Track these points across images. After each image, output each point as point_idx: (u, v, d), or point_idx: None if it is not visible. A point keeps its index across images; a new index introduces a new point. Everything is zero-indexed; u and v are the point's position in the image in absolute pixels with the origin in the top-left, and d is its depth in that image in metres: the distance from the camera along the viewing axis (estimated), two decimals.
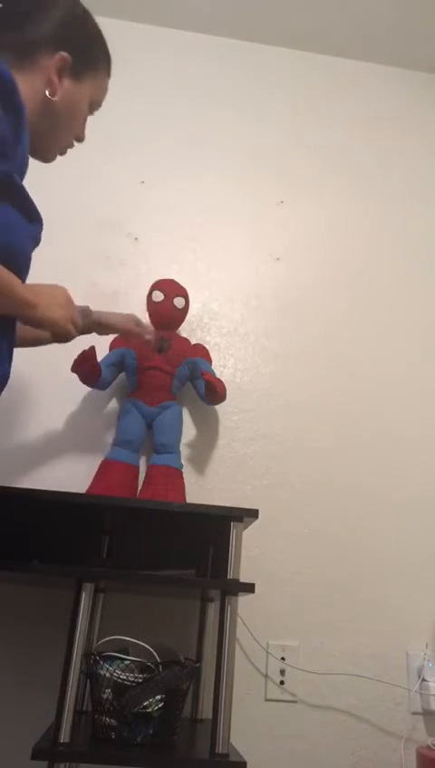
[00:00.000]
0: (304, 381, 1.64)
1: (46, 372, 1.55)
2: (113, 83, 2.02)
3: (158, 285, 1.53)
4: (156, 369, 1.45)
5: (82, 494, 1.16)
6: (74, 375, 1.45)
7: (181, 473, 1.40)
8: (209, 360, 1.52)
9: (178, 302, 1.51)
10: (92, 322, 1.24)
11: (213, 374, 1.45)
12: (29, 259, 0.96)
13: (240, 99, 1.97)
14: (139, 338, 1.34)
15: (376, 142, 1.98)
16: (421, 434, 1.63)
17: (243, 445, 1.56)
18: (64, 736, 0.93)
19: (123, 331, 1.31)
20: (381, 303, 1.76)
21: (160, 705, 1.01)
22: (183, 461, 1.46)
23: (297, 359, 1.67)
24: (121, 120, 1.89)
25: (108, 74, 1.10)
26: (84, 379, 1.41)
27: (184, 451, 1.50)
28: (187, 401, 1.55)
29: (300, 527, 1.50)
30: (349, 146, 1.96)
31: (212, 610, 1.33)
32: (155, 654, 1.05)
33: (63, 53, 0.94)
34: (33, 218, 0.93)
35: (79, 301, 1.65)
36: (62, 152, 1.09)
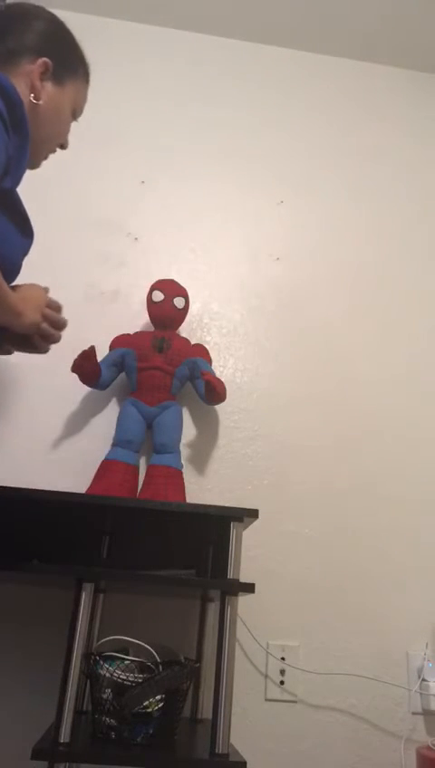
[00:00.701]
0: (304, 381, 1.64)
1: (46, 372, 1.55)
2: (113, 84, 2.03)
3: (158, 285, 1.53)
4: (156, 369, 1.45)
5: (82, 494, 1.16)
6: (74, 375, 1.45)
7: (181, 473, 1.40)
8: (209, 360, 1.52)
9: (178, 302, 1.51)
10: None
11: (213, 374, 1.45)
12: (18, 271, 0.98)
13: (240, 99, 1.97)
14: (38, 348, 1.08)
15: (376, 142, 1.98)
16: (421, 434, 1.63)
17: (243, 445, 1.56)
18: (64, 736, 0.94)
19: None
20: (380, 303, 1.76)
21: (160, 705, 1.01)
22: (183, 461, 1.46)
23: (297, 359, 1.67)
24: (122, 121, 1.89)
25: (87, 81, 1.17)
26: (84, 379, 1.42)
27: (184, 451, 1.50)
28: (187, 401, 1.55)
29: (300, 527, 1.50)
30: (349, 146, 1.96)
31: (212, 610, 1.33)
32: (155, 654, 1.05)
33: (45, 59, 0.97)
34: (26, 233, 0.96)
35: (79, 301, 1.66)
36: (45, 158, 1.11)
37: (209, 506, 1.13)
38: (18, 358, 1.56)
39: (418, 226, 1.89)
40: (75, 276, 1.68)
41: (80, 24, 2.02)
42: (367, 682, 1.38)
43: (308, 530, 1.49)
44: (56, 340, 1.08)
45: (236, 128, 1.93)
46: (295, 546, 1.48)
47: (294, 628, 1.41)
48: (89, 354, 1.35)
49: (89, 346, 1.37)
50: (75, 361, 1.36)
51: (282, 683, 1.37)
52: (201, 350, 1.52)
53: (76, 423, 1.52)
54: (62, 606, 1.34)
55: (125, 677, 1.01)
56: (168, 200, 1.81)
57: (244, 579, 1.08)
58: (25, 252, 0.99)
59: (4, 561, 1.06)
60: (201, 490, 1.49)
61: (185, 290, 1.54)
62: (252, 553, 1.44)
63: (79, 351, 1.38)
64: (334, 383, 1.65)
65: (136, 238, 1.75)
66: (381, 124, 2.01)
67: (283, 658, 1.38)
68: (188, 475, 1.48)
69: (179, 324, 1.55)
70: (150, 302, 1.52)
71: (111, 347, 1.52)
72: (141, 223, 1.76)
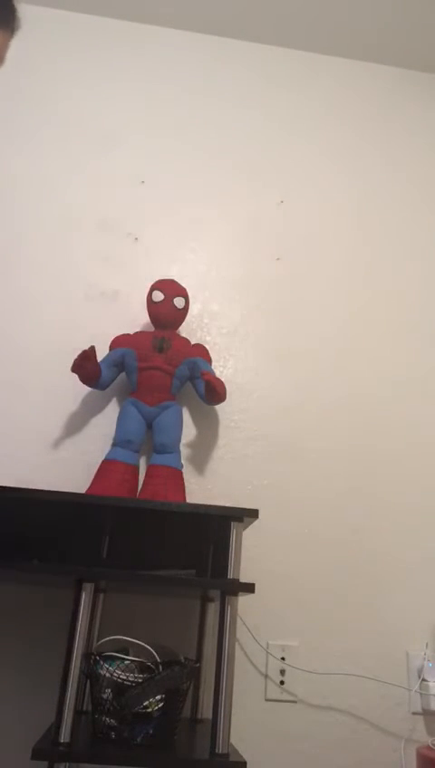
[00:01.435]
0: (304, 381, 1.64)
1: (46, 372, 1.55)
2: (113, 84, 2.03)
3: (158, 285, 1.53)
4: (156, 369, 1.45)
5: (82, 494, 1.16)
6: (74, 375, 1.45)
7: (181, 473, 1.40)
8: (209, 360, 1.52)
9: (178, 302, 1.51)
10: None
11: (213, 374, 1.45)
12: None
13: (240, 99, 1.97)
14: None
15: (376, 142, 1.98)
16: (422, 434, 1.63)
17: (243, 445, 1.56)
18: (64, 736, 0.94)
19: None
20: (381, 303, 1.76)
21: (160, 705, 1.01)
22: (183, 461, 1.46)
23: (297, 359, 1.67)
24: (122, 121, 1.89)
25: (12, 34, 1.15)
26: (84, 379, 1.42)
27: (184, 451, 1.50)
28: (187, 401, 1.55)
29: (300, 527, 1.50)
30: (349, 146, 1.96)
31: (212, 610, 1.33)
32: (155, 654, 1.05)
33: None
34: None
35: (79, 300, 1.66)
36: None
37: (209, 506, 1.13)
38: (18, 357, 1.57)
39: (419, 226, 1.89)
40: (75, 276, 1.68)
41: (80, 24, 2.04)
42: (367, 682, 1.38)
43: (308, 530, 1.49)
44: None
45: (236, 128, 1.93)
46: (295, 546, 1.48)
47: (294, 628, 1.41)
48: (89, 354, 1.35)
49: (89, 346, 1.37)
50: (75, 361, 1.36)
51: (282, 683, 1.37)
52: (201, 350, 1.52)
53: (76, 423, 1.52)
54: (62, 606, 1.34)
55: (125, 677, 1.01)
56: (168, 200, 1.81)
57: (244, 579, 1.08)
58: None
59: (4, 561, 1.06)
60: (201, 490, 1.49)
61: (185, 290, 1.54)
62: (252, 553, 1.44)
63: (79, 351, 1.38)
64: (334, 383, 1.65)
65: (136, 238, 1.75)
66: (382, 124, 2.01)
67: (283, 658, 1.38)
68: (188, 475, 1.48)
69: (179, 324, 1.55)
70: (150, 302, 1.52)
71: (111, 347, 1.52)
72: (141, 223, 1.76)
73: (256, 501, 1.49)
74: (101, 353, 1.53)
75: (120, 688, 1.00)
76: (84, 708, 1.21)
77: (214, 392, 1.38)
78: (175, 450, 1.42)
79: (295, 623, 1.41)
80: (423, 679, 1.38)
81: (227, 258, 1.76)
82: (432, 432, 1.64)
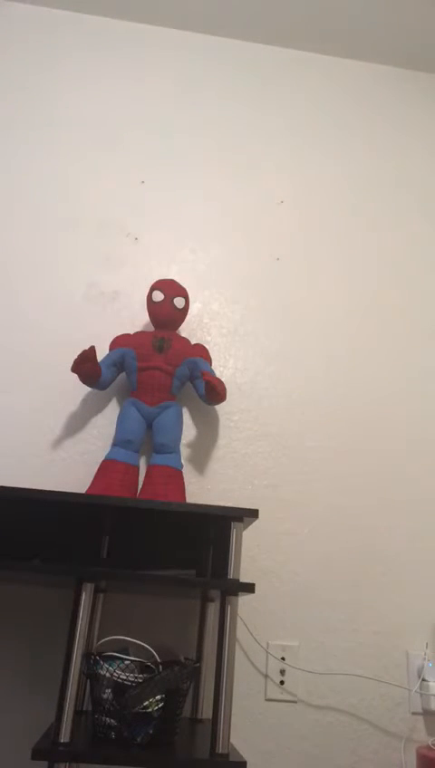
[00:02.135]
0: (304, 381, 1.64)
1: (46, 372, 1.55)
2: (113, 83, 2.03)
3: (158, 285, 1.53)
4: (156, 369, 1.45)
5: (82, 494, 1.15)
6: (74, 375, 1.45)
7: (181, 473, 1.40)
8: (209, 360, 1.52)
9: (178, 302, 1.51)
10: None
11: (213, 374, 1.45)
12: None
13: (240, 99, 1.97)
14: None
15: (376, 142, 1.98)
16: (422, 433, 1.63)
17: (243, 445, 1.56)
18: (64, 736, 0.93)
19: None
20: (381, 303, 1.76)
21: (160, 705, 1.01)
22: (183, 461, 1.46)
23: (297, 359, 1.67)
24: (122, 120, 1.89)
25: None
26: (84, 379, 1.42)
27: (184, 451, 1.50)
28: (187, 401, 1.55)
29: (300, 527, 1.50)
30: (349, 146, 1.96)
31: (212, 610, 1.33)
32: (155, 654, 1.05)
33: None
34: None
35: (79, 301, 1.66)
36: None
37: (209, 506, 1.13)
38: (18, 357, 1.57)
39: (419, 225, 1.89)
40: (75, 276, 1.68)
41: (80, 25, 2.04)
42: (367, 682, 1.38)
43: (308, 530, 1.49)
44: None
45: (236, 128, 1.93)
46: (295, 546, 1.48)
47: (294, 628, 1.41)
48: (89, 354, 1.35)
49: (89, 346, 1.37)
50: (75, 361, 1.36)
51: (282, 683, 1.37)
52: (201, 350, 1.52)
53: (76, 423, 1.52)
54: (62, 606, 1.34)
55: (125, 677, 1.01)
56: (168, 200, 1.81)
57: (244, 579, 1.08)
58: None
59: (4, 561, 1.06)
60: (201, 490, 1.49)
61: (185, 290, 1.54)
62: (252, 553, 1.44)
63: (79, 351, 1.38)
64: (334, 383, 1.65)
65: (136, 238, 1.75)
66: (382, 124, 2.01)
67: (283, 658, 1.38)
68: (188, 475, 1.48)
69: (179, 324, 1.55)
70: (150, 302, 1.52)
71: (111, 347, 1.52)
72: (141, 223, 1.77)
73: (256, 501, 1.49)
74: (101, 353, 1.53)
75: (120, 688, 1.00)
76: (84, 708, 1.21)
77: (214, 392, 1.38)
78: (175, 450, 1.42)
79: (295, 623, 1.41)
80: (423, 679, 1.38)
81: (226, 258, 1.76)
82: (433, 432, 1.64)
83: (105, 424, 1.52)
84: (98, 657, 1.04)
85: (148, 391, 1.45)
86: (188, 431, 1.54)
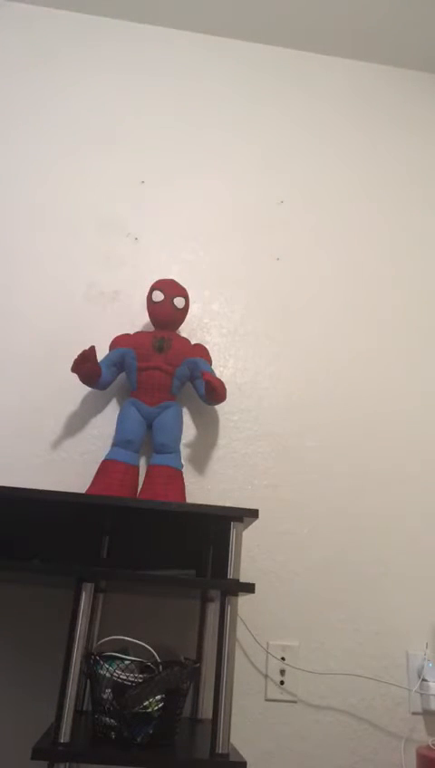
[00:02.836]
0: (305, 381, 1.64)
1: (46, 372, 1.55)
2: (113, 83, 2.03)
3: (158, 285, 1.53)
4: (156, 369, 1.45)
5: (82, 494, 1.15)
6: (74, 375, 1.45)
7: (181, 473, 1.40)
8: (209, 360, 1.52)
9: (178, 302, 1.51)
10: None
11: (213, 374, 1.45)
12: None
13: (240, 99, 1.98)
14: None
15: (376, 142, 1.98)
16: (422, 433, 1.63)
17: (243, 445, 1.56)
18: (64, 736, 0.93)
19: None
20: (381, 303, 1.76)
21: (160, 705, 1.01)
22: (183, 461, 1.46)
23: (297, 359, 1.67)
24: (122, 121, 1.89)
25: None
26: (84, 379, 1.42)
27: (184, 451, 1.50)
28: (187, 401, 1.55)
29: (300, 527, 1.50)
30: (349, 146, 1.96)
31: (212, 610, 1.33)
32: (155, 654, 1.05)
33: None
34: None
35: (79, 301, 1.66)
36: None
37: (209, 506, 1.13)
38: (18, 357, 1.57)
39: (419, 225, 1.89)
40: (75, 276, 1.68)
41: (80, 24, 2.04)
42: (367, 682, 1.38)
43: (308, 530, 1.49)
44: None
45: (236, 128, 1.93)
46: (295, 546, 1.48)
47: (294, 628, 1.41)
48: (89, 354, 1.35)
49: (89, 346, 1.37)
50: (75, 361, 1.36)
51: (282, 683, 1.37)
52: (201, 350, 1.52)
53: (76, 423, 1.52)
54: (62, 606, 1.34)
55: (125, 677, 1.01)
56: (168, 200, 1.81)
57: (244, 579, 1.08)
58: None
59: (4, 560, 1.06)
60: (201, 490, 1.49)
61: (185, 290, 1.54)
62: (252, 553, 1.44)
63: (79, 351, 1.38)
64: (334, 383, 1.65)
65: (136, 238, 1.75)
66: (382, 124, 2.01)
67: (283, 658, 1.38)
68: (188, 475, 1.48)
69: (179, 324, 1.55)
70: (150, 302, 1.52)
71: (111, 347, 1.52)
72: (141, 223, 1.77)
73: (256, 501, 1.49)
74: (101, 353, 1.53)
75: (120, 688, 1.00)
76: (84, 708, 1.21)
77: (214, 392, 1.38)
78: (175, 450, 1.42)
79: (295, 623, 1.41)
80: (423, 679, 1.38)
81: (227, 258, 1.76)
82: (433, 432, 1.63)
83: (105, 424, 1.52)
84: (98, 657, 1.04)
85: (148, 391, 1.45)
86: (188, 431, 1.54)
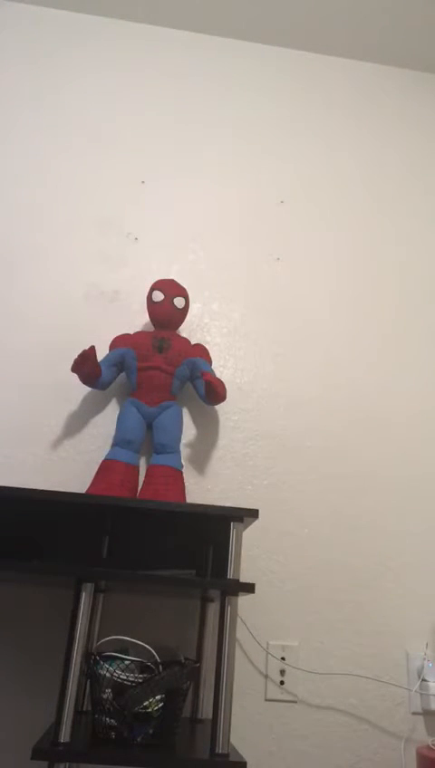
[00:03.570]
0: (304, 381, 1.64)
1: (46, 372, 1.55)
2: (113, 83, 2.03)
3: (158, 285, 1.53)
4: (156, 369, 1.45)
5: (82, 494, 1.15)
6: (74, 375, 1.45)
7: (181, 473, 1.40)
8: (209, 360, 1.52)
9: (178, 302, 1.51)
10: None
11: (213, 374, 1.45)
12: None
13: (240, 99, 1.97)
14: None
15: (376, 142, 1.98)
16: (422, 434, 1.63)
17: (243, 445, 1.56)
18: (64, 736, 0.93)
19: None
20: (381, 303, 1.76)
21: (160, 705, 1.01)
22: (183, 461, 1.46)
23: (297, 359, 1.67)
24: (122, 120, 1.89)
25: None
26: (84, 379, 1.42)
27: (184, 451, 1.50)
28: (187, 401, 1.55)
29: (300, 527, 1.50)
30: (350, 146, 1.96)
31: (212, 610, 1.33)
32: (155, 654, 1.05)
33: None
34: None
35: (79, 301, 1.66)
36: None
37: (209, 506, 1.13)
38: (18, 357, 1.57)
39: (422, 226, 1.89)
40: (75, 276, 1.68)
41: (80, 24, 2.04)
42: (367, 682, 1.38)
43: (308, 530, 1.49)
44: None
45: (236, 128, 1.93)
46: (295, 546, 1.48)
47: (294, 628, 1.41)
48: (89, 354, 1.35)
49: (89, 346, 1.37)
50: (75, 361, 1.36)
51: (282, 683, 1.37)
52: (201, 351, 1.52)
53: (76, 423, 1.52)
54: (62, 606, 1.34)
55: (125, 677, 1.01)
56: (168, 200, 1.81)
57: (244, 579, 1.08)
58: None
59: (3, 561, 1.06)
60: (201, 490, 1.49)
61: (185, 290, 1.54)
62: (252, 553, 1.44)
63: (79, 351, 1.38)
64: (334, 383, 1.65)
65: (136, 238, 1.75)
66: (382, 124, 2.01)
67: (283, 658, 1.38)
68: (188, 475, 1.48)
69: (179, 324, 1.55)
70: (150, 302, 1.52)
71: (111, 347, 1.52)
72: (141, 223, 1.77)
73: (256, 501, 1.49)
74: (101, 353, 1.53)
75: (120, 688, 1.00)
76: (84, 708, 1.21)
77: (214, 393, 1.38)
78: (175, 450, 1.42)
79: (295, 623, 1.41)
80: (423, 679, 1.38)
81: (227, 258, 1.76)
82: (433, 432, 1.63)
83: (105, 424, 1.52)
84: (98, 657, 1.04)
85: (148, 391, 1.45)
86: (188, 431, 1.54)
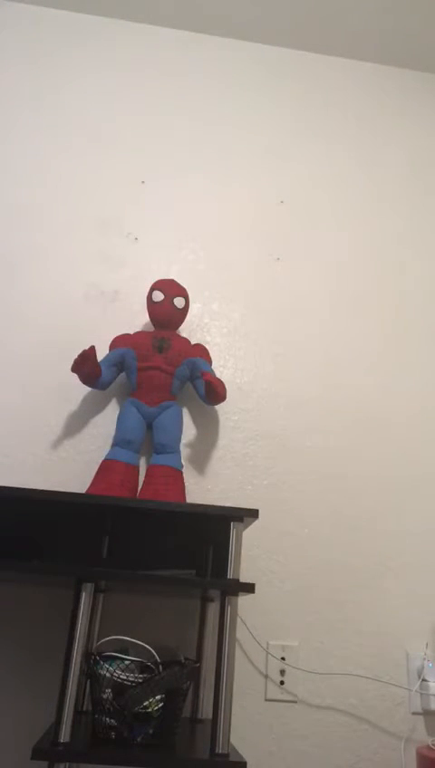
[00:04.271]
0: (304, 381, 1.64)
1: (46, 372, 1.55)
2: (113, 83, 2.03)
3: (158, 285, 1.53)
4: (156, 369, 1.45)
5: (82, 494, 1.15)
6: (74, 375, 1.45)
7: (181, 473, 1.40)
8: (209, 360, 1.52)
9: (178, 302, 1.51)
10: None
11: (213, 374, 1.45)
12: None
13: (240, 99, 1.97)
14: None
15: (377, 142, 1.98)
16: (422, 434, 1.63)
17: (243, 445, 1.56)
18: (64, 736, 0.93)
19: None
20: (382, 303, 1.76)
21: (160, 705, 1.01)
22: (183, 461, 1.46)
23: (297, 359, 1.67)
24: (122, 120, 1.89)
25: None
26: (84, 379, 1.42)
27: (184, 451, 1.50)
28: (187, 401, 1.55)
29: (300, 527, 1.50)
30: (350, 146, 1.96)
31: (212, 610, 1.33)
32: (155, 654, 1.05)
33: None
34: None
35: (79, 301, 1.66)
36: None
37: (209, 506, 1.13)
38: (18, 357, 1.57)
39: (422, 226, 1.89)
40: (75, 276, 1.68)
41: (80, 24, 2.04)
42: (367, 682, 1.38)
43: (308, 530, 1.49)
44: None
45: (236, 128, 1.93)
46: (295, 546, 1.48)
47: (295, 628, 1.41)
48: (89, 354, 1.35)
49: (89, 346, 1.37)
50: (75, 361, 1.36)
51: (282, 683, 1.37)
52: (201, 351, 1.52)
53: (76, 423, 1.52)
54: (62, 606, 1.34)
55: (125, 677, 1.01)
56: (168, 200, 1.81)
57: (244, 579, 1.08)
58: None
59: (3, 561, 1.06)
60: (201, 490, 1.49)
61: (185, 290, 1.54)
62: (252, 553, 1.44)
63: (79, 351, 1.38)
64: (334, 383, 1.65)
65: (136, 238, 1.75)
66: (382, 124, 2.01)
67: (283, 658, 1.38)
68: (188, 475, 1.48)
69: (179, 324, 1.55)
70: (150, 302, 1.52)
71: (111, 347, 1.52)
72: (141, 223, 1.77)
73: (256, 501, 1.49)
74: (101, 353, 1.53)
75: (120, 688, 1.00)
76: (84, 708, 1.21)
77: (214, 393, 1.38)
78: (175, 450, 1.42)
79: (295, 623, 1.41)
80: (423, 679, 1.38)
81: (227, 258, 1.76)
82: (433, 432, 1.63)
83: (105, 424, 1.52)
84: (98, 657, 1.04)
85: (148, 391, 1.45)
86: (188, 431, 1.54)
